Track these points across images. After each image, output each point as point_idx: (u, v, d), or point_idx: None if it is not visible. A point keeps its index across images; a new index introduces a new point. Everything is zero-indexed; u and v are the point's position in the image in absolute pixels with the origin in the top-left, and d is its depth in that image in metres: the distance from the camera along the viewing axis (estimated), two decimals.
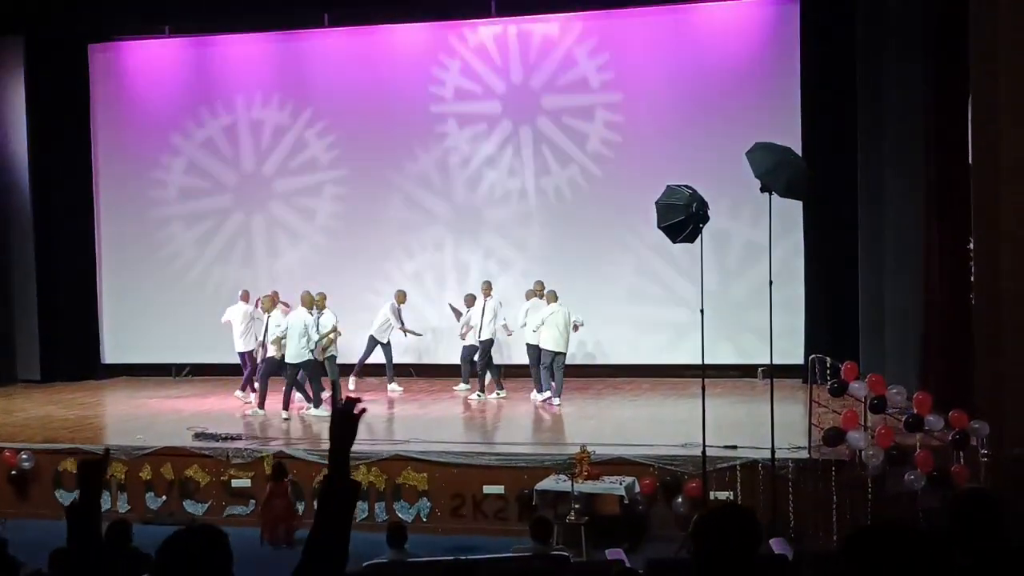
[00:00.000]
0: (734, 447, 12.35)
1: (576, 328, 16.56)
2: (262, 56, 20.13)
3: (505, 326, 17.10)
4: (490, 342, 16.91)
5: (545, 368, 16.27)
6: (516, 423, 15.46)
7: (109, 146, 20.41)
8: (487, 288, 17.19)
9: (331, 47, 19.89)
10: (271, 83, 19.97)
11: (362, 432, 12.60)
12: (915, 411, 11.87)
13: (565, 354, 16.38)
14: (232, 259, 20.12)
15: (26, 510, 13.39)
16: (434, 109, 19.36)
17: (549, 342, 16.23)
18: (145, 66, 20.43)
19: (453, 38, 19.34)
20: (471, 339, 17.20)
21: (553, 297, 16.53)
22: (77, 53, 20.22)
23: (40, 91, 19.54)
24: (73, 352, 19.39)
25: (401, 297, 17.76)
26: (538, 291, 16.85)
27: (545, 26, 19.08)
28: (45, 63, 19.59)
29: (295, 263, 19.83)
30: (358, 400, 3.79)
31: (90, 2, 18.99)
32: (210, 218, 20.24)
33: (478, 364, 16.98)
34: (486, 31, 19.26)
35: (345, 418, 3.74)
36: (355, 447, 12.35)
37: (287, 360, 15.49)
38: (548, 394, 16.24)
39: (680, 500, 12.20)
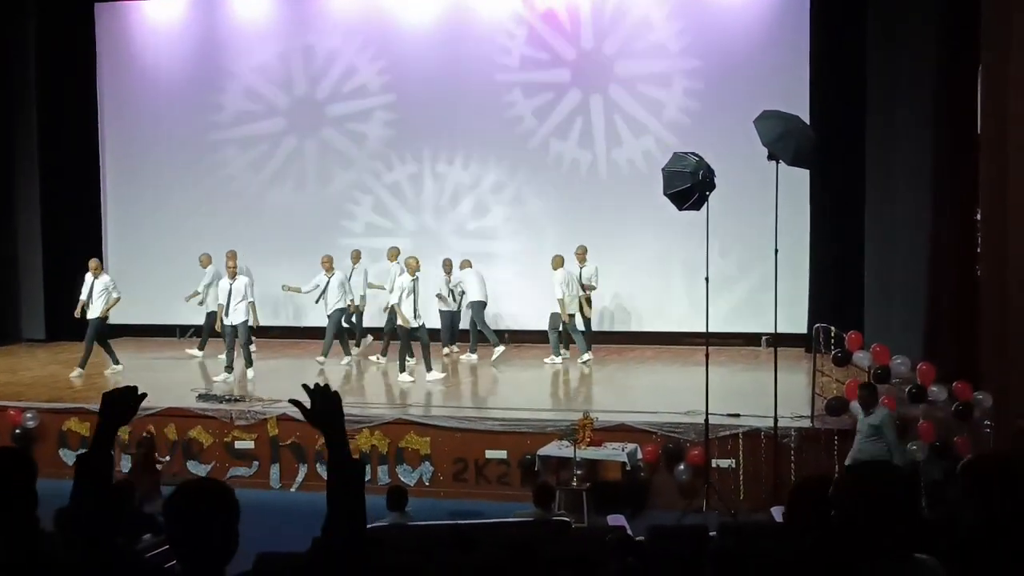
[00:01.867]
0: (737, 415, 12.37)
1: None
2: (268, 15, 20.01)
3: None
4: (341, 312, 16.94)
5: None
6: (519, 388, 15.46)
7: (115, 105, 20.43)
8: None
9: (344, 6, 19.76)
10: (278, 42, 19.87)
11: (366, 396, 12.64)
12: (919, 382, 11.94)
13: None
14: (236, 221, 20.12)
15: None
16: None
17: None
18: (150, 25, 20.36)
19: None
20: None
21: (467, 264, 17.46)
22: (83, 11, 20.20)
23: (47, 49, 19.55)
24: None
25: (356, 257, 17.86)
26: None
27: None
28: (52, 21, 19.57)
29: (304, 227, 19.85)
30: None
31: None
32: (215, 178, 20.24)
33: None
34: None
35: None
36: (359, 410, 12.34)
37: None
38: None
39: (682, 467, 12.22)
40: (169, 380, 15.70)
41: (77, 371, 16.07)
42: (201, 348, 17.76)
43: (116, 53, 20.37)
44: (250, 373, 15.78)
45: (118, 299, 16.39)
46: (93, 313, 16.24)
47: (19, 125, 19.58)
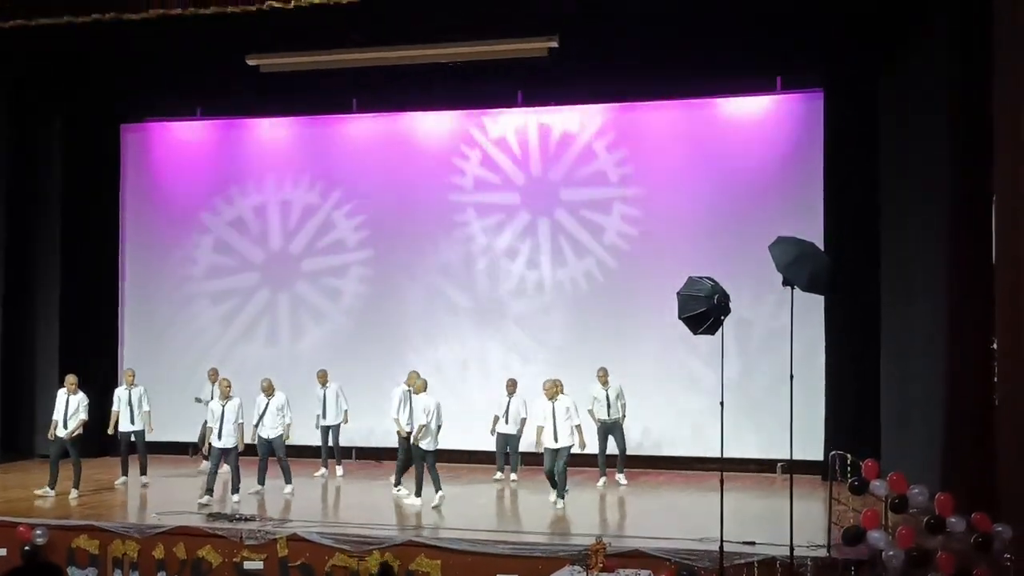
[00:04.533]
0: (752, 543, 12.18)
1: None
2: (291, 139, 20.50)
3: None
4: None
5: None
6: (531, 512, 15.25)
7: (137, 223, 20.88)
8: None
9: (359, 132, 20.24)
10: (299, 166, 20.33)
11: (376, 517, 12.52)
12: (937, 512, 11.71)
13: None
14: (255, 338, 20.39)
15: None
16: (453, 198, 19.61)
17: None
18: (175, 145, 20.87)
19: (475, 128, 19.71)
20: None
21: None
22: (110, 132, 20.74)
23: (73, 168, 19.98)
24: (92, 429, 19.29)
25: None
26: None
27: (566, 118, 19.35)
28: (78, 140, 20.06)
29: (318, 343, 20.04)
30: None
31: (125, 84, 19.47)
32: (235, 296, 20.55)
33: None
34: (508, 121, 19.50)
35: None
36: (369, 532, 12.26)
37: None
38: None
39: None
40: (179, 498, 15.65)
41: (74, 492, 16.03)
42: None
43: (140, 172, 20.83)
44: (235, 497, 15.51)
45: (85, 420, 16.40)
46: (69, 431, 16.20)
47: (42, 241, 19.87)
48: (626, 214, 18.97)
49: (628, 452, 17.45)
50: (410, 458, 15.78)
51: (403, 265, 19.89)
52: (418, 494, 15.21)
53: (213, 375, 18.25)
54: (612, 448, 17.10)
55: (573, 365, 17.94)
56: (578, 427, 15.34)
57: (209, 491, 15.43)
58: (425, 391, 15.39)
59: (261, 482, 16.46)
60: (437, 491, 14.96)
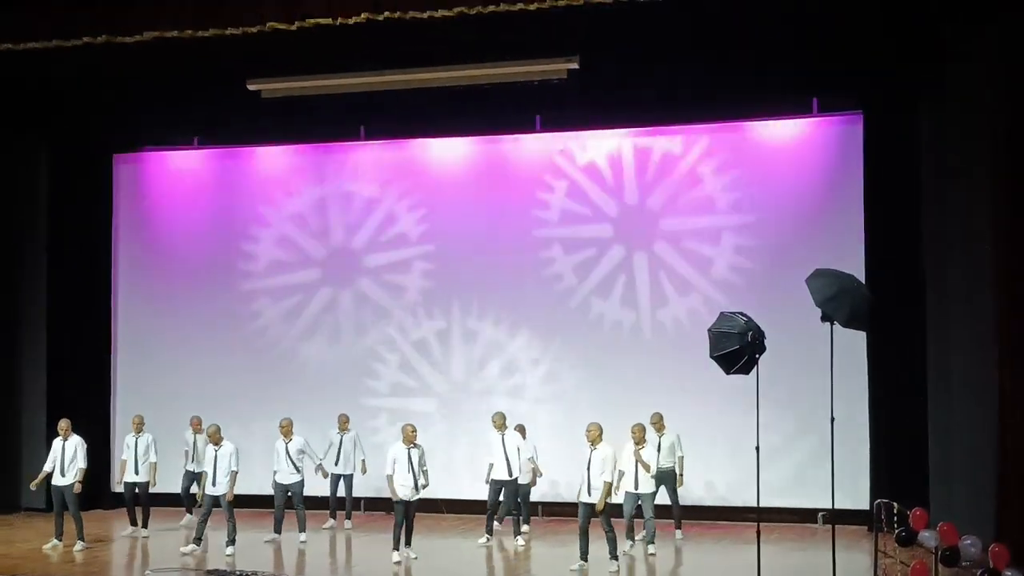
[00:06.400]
0: None
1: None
2: (295, 168, 20.07)
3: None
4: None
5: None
6: (554, 565, 14.67)
7: (130, 259, 20.39)
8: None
9: (369, 160, 19.78)
10: (303, 196, 19.87)
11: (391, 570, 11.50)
12: (991, 565, 11.35)
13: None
14: (248, 386, 19.70)
15: None
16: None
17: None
18: (172, 176, 20.49)
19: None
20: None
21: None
22: (101, 162, 20.36)
23: (61, 201, 19.54)
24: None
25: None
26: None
27: (590, 140, 18.83)
28: (67, 171, 19.67)
29: (320, 386, 19.46)
30: None
31: (118, 111, 19.05)
32: (236, 334, 19.94)
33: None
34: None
35: None
36: None
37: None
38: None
39: None
40: (174, 553, 15.11)
41: (79, 544, 15.42)
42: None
43: (133, 204, 20.44)
44: (229, 549, 14.95)
45: (85, 468, 15.71)
46: (68, 479, 15.50)
47: (28, 278, 19.37)
48: (658, 243, 18.43)
49: (660, 502, 16.32)
50: (517, 503, 16.09)
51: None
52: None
53: (196, 425, 17.41)
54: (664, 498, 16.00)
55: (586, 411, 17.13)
56: (607, 484, 13.56)
57: (197, 540, 15.08)
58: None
59: (278, 531, 16.03)
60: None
